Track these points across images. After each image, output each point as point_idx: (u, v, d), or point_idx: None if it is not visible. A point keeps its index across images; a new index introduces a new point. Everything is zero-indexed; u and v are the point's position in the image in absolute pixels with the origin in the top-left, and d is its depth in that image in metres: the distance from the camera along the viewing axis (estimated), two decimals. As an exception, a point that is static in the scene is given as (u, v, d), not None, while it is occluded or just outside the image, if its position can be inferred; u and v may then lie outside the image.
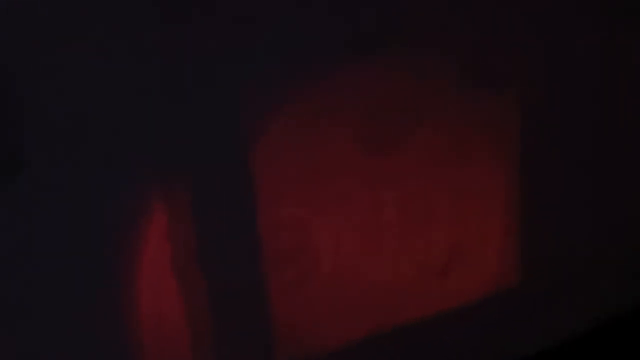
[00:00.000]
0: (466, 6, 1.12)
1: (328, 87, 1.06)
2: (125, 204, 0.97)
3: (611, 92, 1.28)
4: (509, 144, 1.22)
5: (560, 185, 1.28)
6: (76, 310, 0.96)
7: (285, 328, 1.12)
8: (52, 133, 0.90)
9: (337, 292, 1.15)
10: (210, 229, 1.03)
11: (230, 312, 1.07)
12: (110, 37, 0.91)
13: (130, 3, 0.91)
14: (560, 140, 1.26)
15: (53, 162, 0.91)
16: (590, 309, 1.36)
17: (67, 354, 0.98)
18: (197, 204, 1.02)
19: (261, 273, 1.08)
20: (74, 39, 0.89)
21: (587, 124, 1.27)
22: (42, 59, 0.88)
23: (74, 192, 0.93)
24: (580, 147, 1.28)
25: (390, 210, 1.16)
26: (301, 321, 1.14)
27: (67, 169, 0.92)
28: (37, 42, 0.87)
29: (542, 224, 1.28)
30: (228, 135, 1.01)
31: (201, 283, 1.04)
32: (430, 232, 1.20)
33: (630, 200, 1.35)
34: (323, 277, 1.14)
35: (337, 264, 1.15)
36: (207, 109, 0.99)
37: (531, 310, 1.31)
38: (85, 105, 0.92)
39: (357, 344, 1.18)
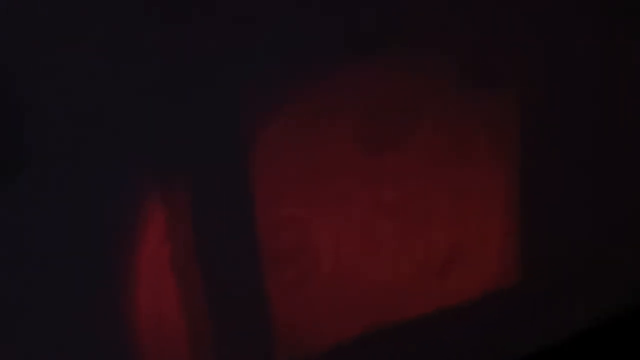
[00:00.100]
0: (466, 6, 1.12)
1: (328, 87, 1.06)
2: (125, 203, 0.97)
3: (611, 92, 1.28)
4: (509, 144, 1.22)
5: (560, 185, 1.28)
6: (76, 310, 0.97)
7: (285, 328, 1.12)
8: (52, 133, 0.90)
9: (337, 292, 1.15)
10: (210, 229, 1.03)
11: (230, 312, 1.07)
12: (110, 37, 0.91)
13: (130, 3, 0.91)
14: (560, 140, 1.26)
15: (53, 162, 0.91)
16: (590, 309, 1.36)
17: (67, 354, 0.98)
18: (196, 203, 1.02)
19: (261, 273, 1.08)
20: (74, 39, 0.89)
21: (587, 124, 1.27)
22: (42, 59, 0.88)
23: (74, 192, 0.93)
24: (580, 147, 1.28)
25: (390, 210, 1.16)
26: (301, 321, 1.14)
27: (67, 169, 0.92)
28: (37, 42, 0.87)
29: (542, 223, 1.28)
30: (228, 135, 1.01)
31: (201, 283, 1.04)
32: (430, 231, 1.20)
33: (630, 200, 1.35)
34: (323, 277, 1.14)
35: (337, 264, 1.15)
36: (207, 109, 0.99)
37: (531, 310, 1.31)
38: (85, 105, 0.92)
39: (357, 343, 1.18)
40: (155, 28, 0.93)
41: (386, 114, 1.11)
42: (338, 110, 1.08)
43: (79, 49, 0.89)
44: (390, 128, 1.13)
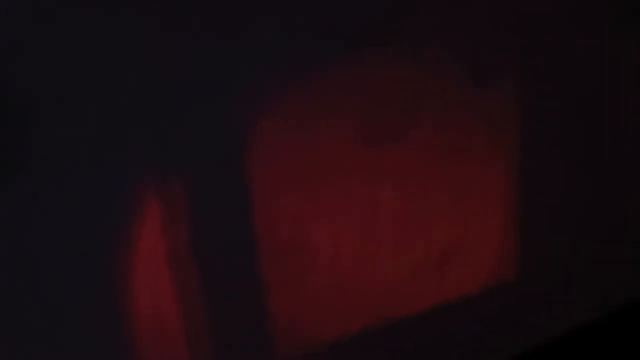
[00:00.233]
0: (466, 6, 1.12)
1: (328, 86, 1.06)
2: (125, 203, 0.97)
3: (611, 92, 1.28)
4: (509, 143, 1.22)
5: (559, 184, 1.28)
6: (76, 310, 0.97)
7: (285, 324, 1.12)
8: (52, 133, 0.90)
9: (336, 289, 1.16)
10: (210, 227, 1.04)
11: (228, 310, 1.08)
12: (110, 38, 0.91)
13: (130, 3, 0.91)
14: (561, 139, 1.26)
15: (53, 162, 0.91)
16: (589, 308, 1.37)
17: (67, 354, 0.98)
18: (196, 203, 1.02)
19: (260, 270, 1.08)
20: (74, 39, 0.89)
21: (587, 124, 1.27)
22: (42, 59, 0.88)
23: (74, 192, 0.94)
24: (580, 146, 1.28)
25: (389, 208, 1.17)
26: (300, 317, 1.14)
27: (67, 169, 0.93)
28: (37, 42, 0.87)
29: (541, 222, 1.28)
30: (227, 135, 1.01)
31: (200, 280, 1.05)
32: (429, 230, 1.20)
33: (630, 200, 1.35)
34: (322, 275, 1.14)
35: (336, 262, 1.15)
36: (206, 108, 0.99)
37: (530, 308, 1.32)
38: (85, 105, 0.92)
39: (356, 338, 1.18)
40: (155, 28, 0.93)
41: (386, 113, 1.11)
42: (338, 109, 1.08)
43: (79, 48, 0.89)
44: (390, 127, 1.13)
